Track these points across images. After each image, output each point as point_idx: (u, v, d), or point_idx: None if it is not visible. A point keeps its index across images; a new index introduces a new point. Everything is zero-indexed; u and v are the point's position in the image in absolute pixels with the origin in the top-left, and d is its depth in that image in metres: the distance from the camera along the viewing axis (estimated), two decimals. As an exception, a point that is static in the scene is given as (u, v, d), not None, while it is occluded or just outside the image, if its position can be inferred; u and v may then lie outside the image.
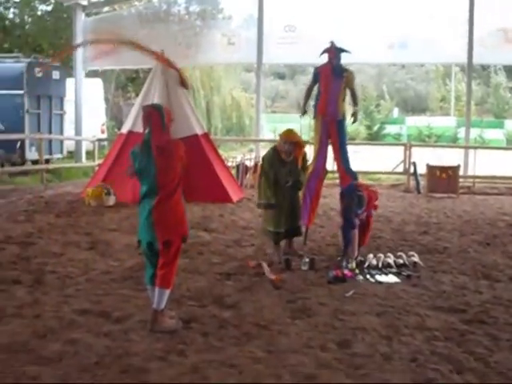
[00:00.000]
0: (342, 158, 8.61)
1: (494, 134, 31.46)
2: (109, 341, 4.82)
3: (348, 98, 8.89)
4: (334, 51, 8.60)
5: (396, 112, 43.36)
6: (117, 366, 4.33)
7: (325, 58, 8.67)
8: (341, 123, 8.61)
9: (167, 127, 5.15)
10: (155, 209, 5.09)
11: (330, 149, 8.87)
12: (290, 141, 7.69)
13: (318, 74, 8.66)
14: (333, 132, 8.56)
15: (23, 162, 16.83)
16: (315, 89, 8.87)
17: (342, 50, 8.62)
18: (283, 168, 7.66)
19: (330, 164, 9.23)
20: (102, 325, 5.19)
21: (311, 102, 9.07)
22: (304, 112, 8.88)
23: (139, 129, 12.57)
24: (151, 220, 5.11)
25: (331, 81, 8.43)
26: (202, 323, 5.28)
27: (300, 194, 8.14)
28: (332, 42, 8.68)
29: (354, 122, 8.98)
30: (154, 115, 5.13)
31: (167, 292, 5.14)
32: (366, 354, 4.63)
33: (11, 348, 4.62)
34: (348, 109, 9.07)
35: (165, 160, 5.08)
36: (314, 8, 17.34)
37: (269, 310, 5.70)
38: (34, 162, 16.74)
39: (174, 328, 5.11)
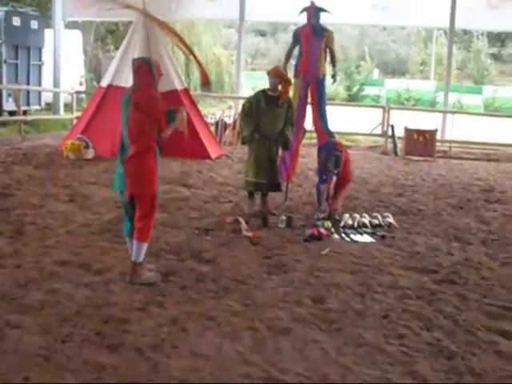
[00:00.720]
0: (320, 116, 8.70)
1: (472, 100, 31.63)
2: (89, 291, 4.91)
3: (328, 58, 8.93)
4: (313, 10, 8.60)
5: (376, 74, 43.35)
6: (97, 315, 4.42)
7: (304, 18, 8.68)
8: (321, 82, 8.68)
9: (156, 81, 5.17)
10: (126, 162, 5.16)
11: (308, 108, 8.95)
12: (275, 73, 7.80)
13: (299, 34, 8.68)
14: (313, 91, 8.62)
15: (0, 113, 16.62)
16: (296, 49, 8.89)
17: (322, 10, 8.62)
18: (269, 114, 7.72)
19: (309, 123, 9.30)
20: (83, 276, 5.28)
21: (292, 62, 9.09)
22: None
23: (119, 82, 12.58)
24: (122, 172, 5.21)
25: (311, 41, 8.46)
26: (180, 277, 5.38)
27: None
28: (312, 1, 8.66)
29: (334, 82, 9.05)
30: (144, 68, 5.12)
31: (145, 245, 5.22)
32: (340, 309, 4.78)
33: (-8, 297, 4.69)
34: (327, 69, 9.11)
35: (140, 116, 5.06)
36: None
37: (246, 265, 5.82)
38: (12, 113, 16.54)
39: (152, 280, 5.21)
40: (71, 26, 21.26)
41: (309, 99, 9.00)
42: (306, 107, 8.79)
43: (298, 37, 8.71)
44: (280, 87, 7.81)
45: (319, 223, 7.32)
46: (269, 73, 7.88)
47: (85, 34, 25.01)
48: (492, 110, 30.18)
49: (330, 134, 8.67)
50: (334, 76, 8.94)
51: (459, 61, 39.80)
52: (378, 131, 16.21)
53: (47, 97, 19.23)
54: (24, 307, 4.51)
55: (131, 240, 5.27)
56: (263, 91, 7.89)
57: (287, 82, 7.88)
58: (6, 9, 17.23)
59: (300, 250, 6.41)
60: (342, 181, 7.95)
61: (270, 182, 7.85)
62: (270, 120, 7.73)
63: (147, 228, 5.22)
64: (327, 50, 8.68)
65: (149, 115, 5.08)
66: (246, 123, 7.86)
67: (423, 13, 16.81)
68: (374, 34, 48.40)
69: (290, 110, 7.90)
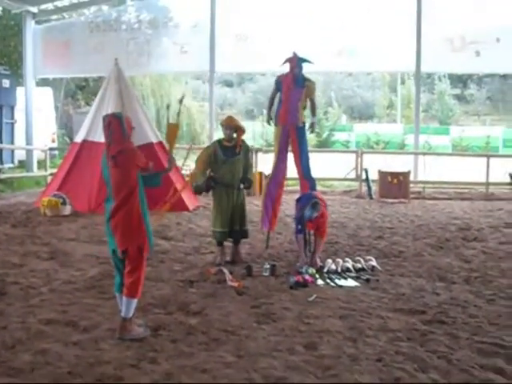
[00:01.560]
0: (301, 164, 8.75)
1: (439, 140, 32.25)
2: (79, 350, 4.84)
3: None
4: (296, 61, 8.74)
5: (344, 119, 44.00)
6: (90, 374, 4.36)
7: (286, 68, 8.82)
8: (301, 130, 8.76)
9: (128, 135, 5.23)
10: (112, 217, 5.18)
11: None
12: (227, 124, 8.07)
13: (280, 82, 8.77)
14: (293, 139, 8.69)
15: (-27, 172, 16.53)
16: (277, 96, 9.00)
17: (304, 60, 8.76)
18: (227, 163, 7.96)
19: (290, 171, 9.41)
20: (70, 334, 5.21)
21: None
22: (269, 119, 8.98)
23: (94, 137, 12.62)
24: (110, 228, 5.23)
25: (292, 89, 8.55)
26: (169, 330, 5.34)
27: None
28: (294, 52, 8.81)
29: (312, 132, 9.14)
30: (114, 123, 5.20)
31: (135, 301, 5.20)
32: (334, 355, 4.77)
33: (-19, 360, 4.60)
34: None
35: (119, 169, 5.14)
36: (264, 16, 17.58)
37: (234, 315, 5.79)
38: (-15, 172, 16.45)
39: (142, 335, 5.16)
40: (42, 83, 21.37)
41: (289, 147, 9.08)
42: (286, 155, 8.86)
43: (279, 84, 8.80)
44: (234, 136, 8.07)
45: (303, 270, 7.34)
46: (222, 124, 8.16)
47: (55, 91, 25.11)
48: (460, 150, 30.77)
49: (312, 181, 8.73)
50: (312, 125, 8.99)
51: (424, 103, 40.66)
52: (352, 175, 16.39)
53: (20, 154, 19.17)
54: (14, 370, 4.44)
55: (121, 296, 5.23)
56: (219, 141, 8.16)
57: (241, 131, 8.11)
58: (-21, 69, 17.29)
59: (287, 298, 6.40)
60: (317, 234, 7.97)
61: (236, 229, 8.05)
62: (229, 169, 7.97)
63: (137, 283, 5.19)
64: (307, 100, 8.77)
65: (128, 167, 5.15)
66: (199, 172, 8.08)
67: (388, 58, 17.22)
68: (340, 80, 49.29)
69: (247, 154, 8.22)
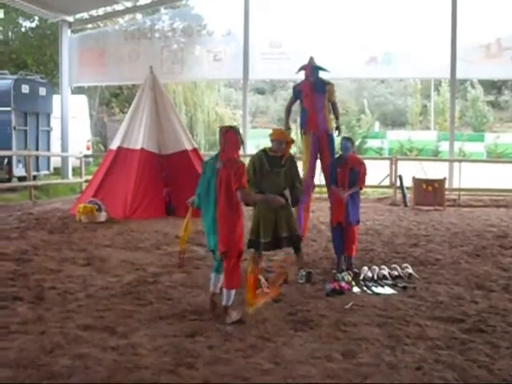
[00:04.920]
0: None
1: (473, 147, 31.86)
2: (117, 355, 4.86)
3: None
4: (310, 69, 8.70)
5: (377, 126, 43.73)
6: (128, 379, 4.37)
7: (303, 74, 8.81)
8: (331, 137, 8.74)
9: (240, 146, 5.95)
10: (218, 219, 5.81)
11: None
12: (277, 139, 7.58)
13: (299, 91, 8.73)
14: (324, 146, 8.66)
15: (10, 179, 16.78)
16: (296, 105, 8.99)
17: (320, 68, 8.72)
18: (272, 174, 7.54)
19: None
20: (108, 340, 5.23)
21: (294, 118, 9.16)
22: (288, 128, 8.87)
23: (128, 144, 12.75)
24: (213, 230, 5.89)
25: (315, 97, 8.51)
26: (206, 336, 5.33)
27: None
28: (311, 59, 8.77)
29: (339, 134, 9.06)
30: (230, 134, 5.90)
31: (233, 291, 5.86)
32: (372, 363, 4.72)
33: (20, 364, 4.63)
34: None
35: (227, 173, 5.75)
36: (298, 23, 17.63)
37: (271, 322, 5.77)
38: (21, 179, 16.71)
39: (239, 317, 5.77)
40: (77, 91, 21.68)
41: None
42: (315, 163, 8.83)
43: (297, 93, 8.77)
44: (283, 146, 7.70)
45: (339, 277, 7.30)
46: (273, 139, 7.63)
47: (90, 99, 25.45)
48: (494, 157, 30.37)
49: None
50: (338, 128, 8.97)
51: (457, 109, 40.24)
52: (386, 182, 16.28)
53: (55, 161, 19.47)
54: (53, 374, 4.46)
55: (217, 276, 6.00)
56: (264, 151, 7.71)
57: (291, 143, 7.79)
58: (15, 77, 17.62)
59: (323, 305, 6.37)
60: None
61: (283, 236, 7.64)
62: (273, 180, 7.53)
63: (236, 278, 5.85)
64: (329, 104, 8.73)
65: (232, 173, 5.73)
66: (251, 182, 7.59)
67: (423, 64, 17.12)
68: (372, 87, 49.05)
69: (294, 165, 7.75)
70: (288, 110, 9.08)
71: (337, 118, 9.01)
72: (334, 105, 8.84)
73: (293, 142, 7.94)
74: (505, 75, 18.82)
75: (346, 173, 7.86)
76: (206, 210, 5.99)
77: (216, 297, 6.04)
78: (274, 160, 7.60)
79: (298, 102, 9.07)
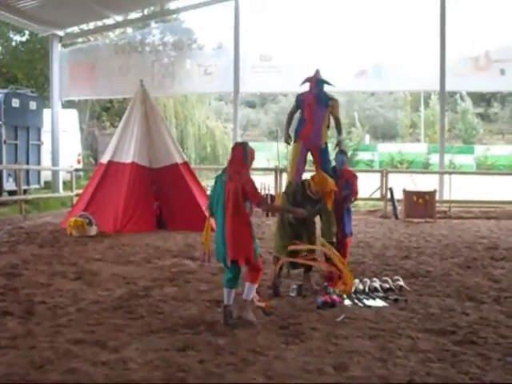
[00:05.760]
0: None
1: (464, 160, 32.05)
2: (107, 370, 4.82)
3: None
4: (315, 81, 8.67)
5: (367, 139, 43.94)
6: (119, 394, 4.35)
7: (305, 86, 8.78)
8: (324, 151, 8.70)
9: (248, 163, 6.18)
10: (227, 229, 6.01)
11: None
12: (317, 190, 7.46)
13: (302, 101, 8.68)
14: (316, 160, 8.63)
15: (0, 193, 16.72)
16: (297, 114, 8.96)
17: (324, 82, 8.69)
18: (301, 206, 7.25)
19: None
20: (99, 354, 5.19)
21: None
22: (288, 137, 8.82)
23: (119, 158, 12.73)
24: (223, 240, 6.06)
25: (316, 109, 8.47)
26: (197, 350, 5.30)
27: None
28: (317, 71, 8.75)
29: (340, 148, 9.03)
30: (238, 149, 6.22)
31: (255, 287, 6.27)
32: (364, 376, 4.70)
33: (10, 379, 4.59)
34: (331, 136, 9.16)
35: (233, 186, 6.00)
36: (288, 37, 17.73)
37: (262, 335, 5.75)
38: (11, 193, 16.65)
39: (252, 321, 6.07)
40: (68, 105, 21.66)
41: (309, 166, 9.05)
42: (302, 173, 8.77)
43: (300, 102, 8.73)
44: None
45: (331, 290, 7.29)
46: (311, 190, 7.46)
47: (81, 113, 25.44)
48: (485, 169, 30.54)
49: None
50: (339, 143, 8.94)
51: (447, 122, 40.50)
52: (377, 195, 16.32)
53: (46, 175, 19.41)
54: (43, 389, 4.44)
55: (230, 292, 6.14)
56: (303, 183, 7.65)
57: (331, 192, 7.56)
58: (5, 91, 17.63)
59: (315, 318, 6.34)
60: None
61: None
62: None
63: (258, 275, 6.25)
64: (331, 118, 8.71)
65: (239, 186, 5.99)
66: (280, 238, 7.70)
67: (413, 77, 17.22)
68: (362, 100, 49.30)
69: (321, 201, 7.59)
70: (289, 119, 9.03)
71: (339, 133, 8.99)
72: (337, 120, 8.78)
73: (335, 190, 7.68)
74: (494, 87, 18.97)
75: (341, 185, 8.02)
76: (216, 220, 6.23)
77: (230, 307, 6.17)
78: (309, 198, 7.51)
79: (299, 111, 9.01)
